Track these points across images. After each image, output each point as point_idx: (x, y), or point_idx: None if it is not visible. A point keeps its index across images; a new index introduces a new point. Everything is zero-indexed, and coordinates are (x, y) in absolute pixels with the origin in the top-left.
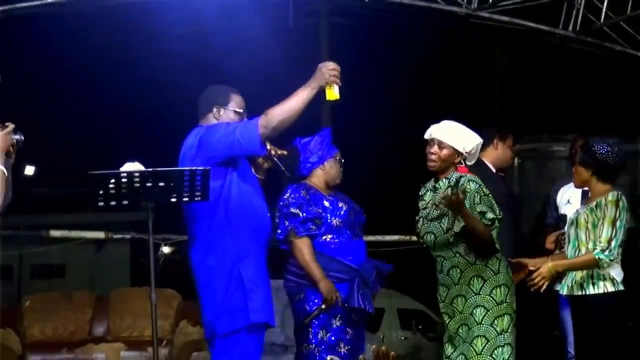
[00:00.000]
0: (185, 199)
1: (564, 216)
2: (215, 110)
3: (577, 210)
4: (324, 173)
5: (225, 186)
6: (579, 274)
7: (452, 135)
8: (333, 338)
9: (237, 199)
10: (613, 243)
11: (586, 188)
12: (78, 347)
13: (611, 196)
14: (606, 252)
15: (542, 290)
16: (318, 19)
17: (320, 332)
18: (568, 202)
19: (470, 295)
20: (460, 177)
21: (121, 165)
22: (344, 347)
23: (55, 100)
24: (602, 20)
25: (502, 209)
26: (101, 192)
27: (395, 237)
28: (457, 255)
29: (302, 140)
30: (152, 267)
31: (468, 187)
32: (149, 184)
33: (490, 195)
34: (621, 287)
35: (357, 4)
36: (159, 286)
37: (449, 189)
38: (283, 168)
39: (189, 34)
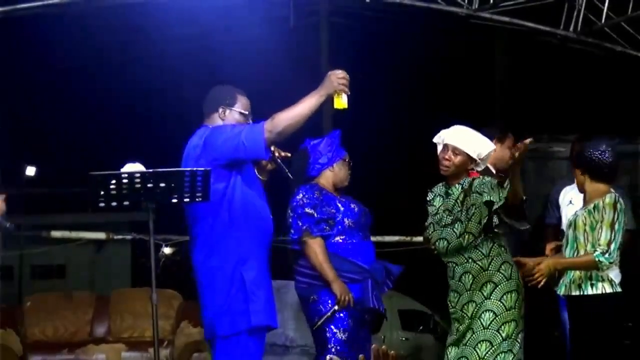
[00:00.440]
0: (186, 200)
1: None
2: (220, 110)
3: (575, 212)
4: (332, 175)
5: (229, 188)
6: (577, 274)
7: (467, 141)
8: (347, 338)
9: (240, 201)
10: (612, 246)
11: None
12: (79, 347)
13: (609, 198)
14: (606, 255)
15: (539, 286)
16: (318, 19)
17: (338, 332)
18: (570, 202)
19: (480, 300)
20: (473, 179)
21: (122, 166)
22: (355, 348)
23: (56, 100)
24: (603, 20)
25: None
26: (102, 192)
27: (396, 238)
28: (470, 260)
29: (312, 142)
30: (152, 267)
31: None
32: (149, 185)
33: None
34: (619, 289)
35: (357, 4)
36: (160, 287)
37: (462, 193)
38: (286, 170)
39: (190, 35)
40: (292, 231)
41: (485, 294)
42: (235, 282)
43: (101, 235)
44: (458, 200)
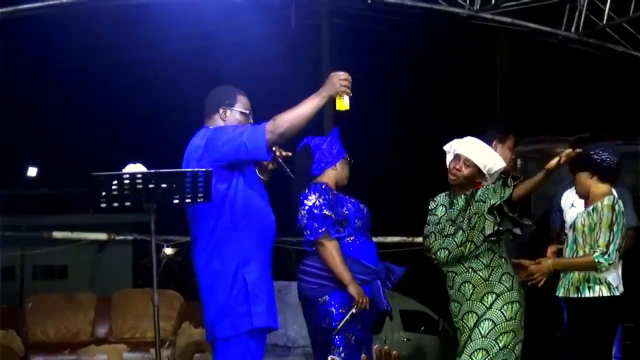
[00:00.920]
0: (188, 201)
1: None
2: (221, 111)
3: (577, 214)
4: (335, 174)
5: (230, 189)
6: (575, 277)
7: (479, 155)
8: (355, 342)
9: (242, 202)
10: (611, 247)
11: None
12: (80, 348)
13: (607, 200)
14: (605, 256)
15: (539, 286)
16: (320, 19)
17: (348, 335)
18: (572, 205)
19: (482, 312)
20: (477, 189)
21: (123, 167)
22: (360, 351)
23: (57, 101)
24: (604, 21)
25: None
26: (103, 193)
27: (397, 239)
28: (470, 270)
29: (313, 140)
30: (154, 268)
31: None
32: (151, 186)
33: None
34: (617, 293)
35: (358, 5)
36: (161, 287)
37: (465, 202)
38: (288, 170)
39: (191, 36)
40: (308, 232)
41: (486, 304)
42: (237, 283)
43: (103, 236)
44: (462, 211)
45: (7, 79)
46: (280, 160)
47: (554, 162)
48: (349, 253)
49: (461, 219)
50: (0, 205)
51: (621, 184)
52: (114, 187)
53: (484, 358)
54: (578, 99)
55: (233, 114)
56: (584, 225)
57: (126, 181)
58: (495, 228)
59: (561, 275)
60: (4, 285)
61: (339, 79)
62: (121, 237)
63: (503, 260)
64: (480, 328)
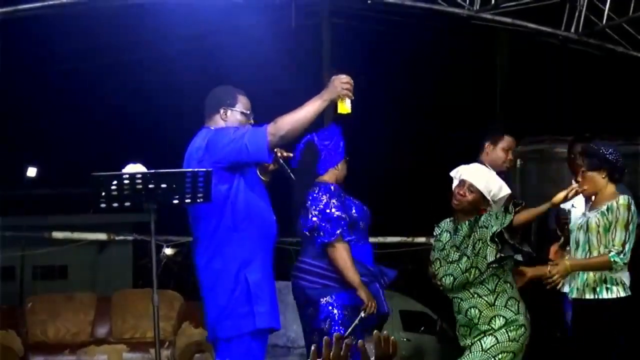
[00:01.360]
0: (188, 201)
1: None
2: (222, 111)
3: (584, 214)
4: (336, 173)
5: (232, 190)
6: (591, 278)
7: (484, 181)
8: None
9: (244, 203)
10: (627, 246)
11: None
12: (80, 348)
13: (622, 199)
14: (621, 255)
15: (558, 288)
16: (320, 19)
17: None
18: (573, 206)
19: (487, 329)
20: (481, 215)
21: (123, 167)
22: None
23: (57, 101)
24: (604, 21)
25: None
26: (103, 193)
27: (397, 239)
28: (476, 296)
29: (317, 137)
30: (154, 268)
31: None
32: (151, 186)
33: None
34: (629, 292)
35: (359, 5)
36: (161, 287)
37: (470, 228)
38: (289, 171)
39: (191, 35)
40: (322, 234)
41: (494, 325)
42: (239, 284)
43: (102, 236)
44: (466, 237)
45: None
46: (282, 161)
47: (561, 195)
48: (353, 255)
49: (465, 245)
50: (0, 205)
51: (621, 183)
52: (113, 187)
53: None
54: (578, 99)
55: (234, 114)
56: (598, 226)
57: (126, 181)
58: (498, 255)
59: (571, 276)
60: (4, 285)
61: (341, 82)
62: (121, 237)
63: (508, 285)
64: (482, 342)
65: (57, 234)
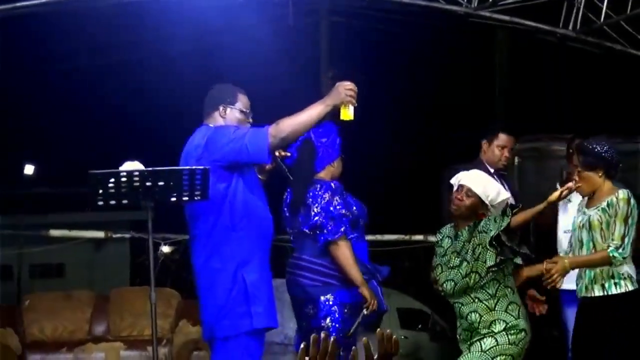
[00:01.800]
0: (185, 198)
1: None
2: (221, 109)
3: (584, 212)
4: (332, 171)
5: (230, 188)
6: (597, 274)
7: (481, 185)
8: (353, 340)
9: (242, 202)
10: (626, 240)
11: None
12: (77, 346)
13: (622, 194)
14: (620, 250)
15: (558, 286)
16: (318, 18)
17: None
18: (569, 200)
19: (487, 332)
20: (480, 220)
21: (121, 165)
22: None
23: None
24: (602, 19)
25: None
26: (101, 191)
27: (394, 237)
28: (477, 300)
29: (314, 134)
30: (151, 266)
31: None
32: (148, 183)
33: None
34: (637, 285)
35: (357, 3)
36: (159, 285)
37: (469, 233)
38: (286, 170)
39: (188, 33)
40: (325, 231)
41: (494, 329)
42: (236, 284)
43: (100, 234)
44: (466, 242)
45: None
46: (279, 161)
47: (556, 194)
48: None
49: (465, 251)
50: None
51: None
52: (111, 185)
53: None
54: (577, 97)
55: (233, 112)
56: (601, 223)
57: (123, 179)
58: (498, 259)
59: (578, 275)
60: (1, 283)
61: (345, 88)
62: (118, 235)
63: (509, 289)
64: (482, 342)
65: (55, 232)
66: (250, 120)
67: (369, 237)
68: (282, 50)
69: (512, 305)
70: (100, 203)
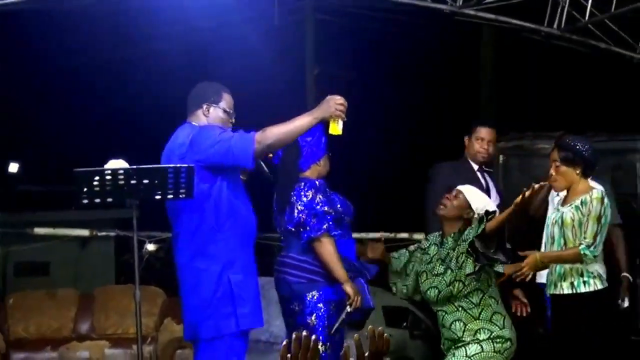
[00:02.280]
0: (170, 197)
1: None
2: (205, 107)
3: (557, 209)
4: (319, 170)
5: (214, 189)
6: (567, 272)
7: (471, 191)
8: (339, 337)
9: (227, 203)
10: (598, 239)
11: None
12: (62, 344)
13: (596, 194)
14: (591, 248)
15: (527, 280)
16: (303, 16)
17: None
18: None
19: (476, 341)
20: (466, 229)
21: (106, 163)
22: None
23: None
24: (587, 17)
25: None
26: (86, 189)
27: (379, 235)
28: (460, 309)
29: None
30: (136, 264)
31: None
32: (133, 182)
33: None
34: (606, 284)
35: (342, 1)
36: (143, 283)
37: (456, 242)
38: (267, 170)
39: (175, 32)
40: (308, 228)
41: (479, 337)
42: (221, 285)
43: (85, 232)
44: (451, 250)
45: None
46: (260, 162)
47: (519, 198)
48: (339, 250)
49: (450, 259)
50: None
51: (605, 180)
52: (95, 183)
53: None
54: (562, 95)
55: (216, 111)
56: (573, 220)
57: (108, 177)
58: (476, 267)
59: (549, 272)
60: None
61: (336, 102)
62: (103, 234)
63: (493, 300)
64: (467, 348)
65: (40, 230)
66: (233, 120)
67: (354, 235)
68: (268, 48)
69: (496, 315)
70: (85, 201)
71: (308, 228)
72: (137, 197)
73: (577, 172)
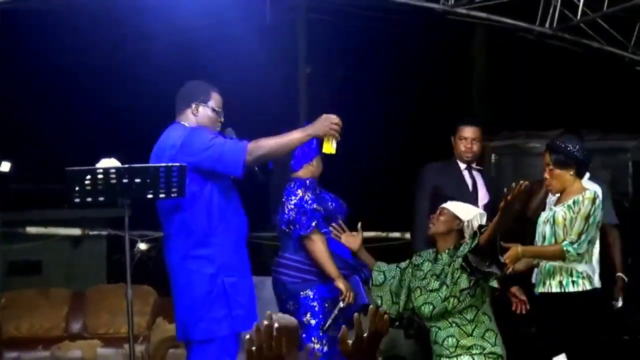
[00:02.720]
0: (162, 196)
1: None
2: (194, 106)
3: (550, 209)
4: (312, 170)
5: (204, 191)
6: (557, 271)
7: (460, 207)
8: (335, 335)
9: (218, 207)
10: (582, 237)
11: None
12: (54, 344)
13: (589, 194)
14: (574, 245)
15: (507, 272)
16: (296, 15)
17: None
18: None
19: (469, 354)
20: (461, 245)
21: (97, 162)
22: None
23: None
24: (578, 16)
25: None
26: (77, 188)
27: (372, 234)
28: (454, 325)
29: None
30: (128, 263)
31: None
32: (125, 181)
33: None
34: (596, 285)
35: (335, 0)
36: (135, 282)
37: (452, 257)
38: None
39: (166, 31)
40: (298, 226)
41: (472, 352)
42: (215, 287)
43: (77, 231)
44: (446, 266)
45: None
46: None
47: (502, 203)
48: (330, 248)
49: (445, 274)
50: None
51: (602, 181)
52: (87, 182)
53: None
54: (554, 94)
55: (205, 110)
56: (565, 219)
57: (100, 176)
58: (472, 282)
59: (538, 271)
60: None
61: (331, 122)
62: (95, 233)
63: (486, 317)
64: (459, 358)
65: (32, 229)
66: (222, 119)
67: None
68: (260, 47)
69: (489, 332)
70: (77, 200)
71: (298, 226)
72: (128, 196)
73: (571, 173)
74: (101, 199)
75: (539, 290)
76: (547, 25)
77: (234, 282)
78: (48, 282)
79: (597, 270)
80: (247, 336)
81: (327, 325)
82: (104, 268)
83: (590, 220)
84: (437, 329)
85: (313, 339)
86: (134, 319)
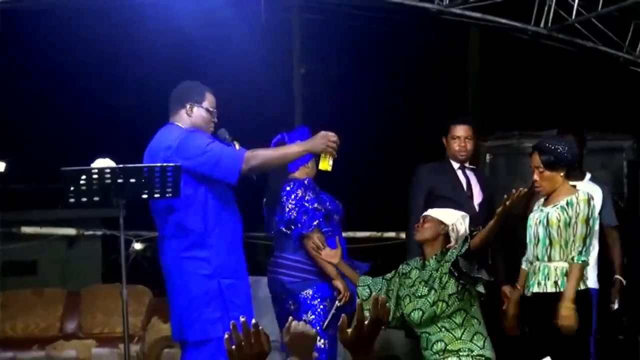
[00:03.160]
0: (157, 196)
1: None
2: (188, 107)
3: (540, 210)
4: (307, 171)
5: (198, 193)
6: (552, 271)
7: (443, 213)
8: (334, 332)
9: (214, 209)
10: (587, 241)
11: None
12: (49, 343)
13: (582, 195)
14: (584, 253)
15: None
16: (290, 15)
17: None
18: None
19: (456, 355)
20: (448, 250)
21: (92, 162)
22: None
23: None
24: (573, 16)
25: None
26: (72, 188)
27: (367, 234)
28: (443, 329)
29: (289, 136)
30: (123, 263)
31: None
32: (120, 181)
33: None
34: (592, 285)
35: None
36: (130, 282)
37: (439, 262)
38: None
39: (161, 30)
40: (299, 225)
41: (461, 354)
42: (211, 289)
43: (72, 231)
44: (434, 271)
45: None
46: None
47: (500, 208)
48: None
49: (433, 279)
50: None
51: (602, 181)
52: (82, 182)
53: None
54: (549, 94)
55: (199, 110)
56: (559, 220)
57: (95, 176)
58: (460, 287)
59: (532, 271)
60: None
61: (329, 139)
62: (90, 233)
63: (475, 320)
64: None
65: (27, 229)
66: (215, 119)
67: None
68: (255, 47)
69: (477, 336)
70: (72, 200)
71: (299, 225)
72: (123, 196)
73: (561, 174)
74: (96, 199)
75: (534, 291)
76: (541, 25)
77: (231, 284)
78: (43, 282)
79: (595, 271)
80: (226, 335)
81: (325, 323)
82: (99, 268)
83: (591, 222)
84: (427, 335)
85: (323, 338)
86: (129, 319)
